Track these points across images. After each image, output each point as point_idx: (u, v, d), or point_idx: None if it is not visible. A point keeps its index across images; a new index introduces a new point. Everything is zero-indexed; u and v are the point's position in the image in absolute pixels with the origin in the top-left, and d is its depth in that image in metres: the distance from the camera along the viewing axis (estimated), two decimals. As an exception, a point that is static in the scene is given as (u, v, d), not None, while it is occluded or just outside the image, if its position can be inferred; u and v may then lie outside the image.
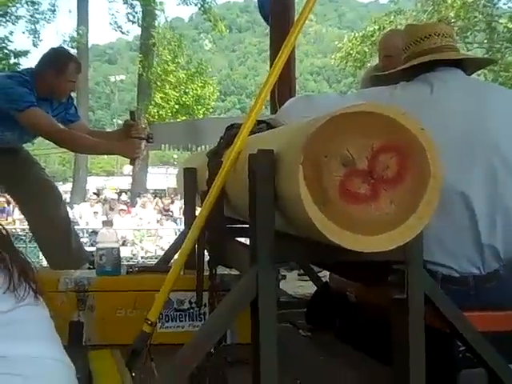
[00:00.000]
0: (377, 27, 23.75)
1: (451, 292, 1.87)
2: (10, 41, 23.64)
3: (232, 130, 2.29)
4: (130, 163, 4.08)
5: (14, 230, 14.07)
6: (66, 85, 3.92)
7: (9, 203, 16.31)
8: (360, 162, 1.44)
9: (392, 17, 23.88)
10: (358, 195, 1.44)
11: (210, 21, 26.09)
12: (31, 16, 25.11)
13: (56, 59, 3.93)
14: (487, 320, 2.03)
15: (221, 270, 2.48)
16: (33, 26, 25.14)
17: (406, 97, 2.20)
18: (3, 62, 23.21)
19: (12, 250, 1.26)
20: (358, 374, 2.25)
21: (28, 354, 1.25)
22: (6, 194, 16.46)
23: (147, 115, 24.55)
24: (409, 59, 2.37)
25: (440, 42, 2.33)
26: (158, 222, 17.02)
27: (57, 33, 28.43)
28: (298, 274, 4.53)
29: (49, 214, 4.00)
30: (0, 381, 1.20)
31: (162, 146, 3.77)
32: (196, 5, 26.22)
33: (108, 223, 3.04)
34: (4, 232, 1.27)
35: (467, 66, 2.38)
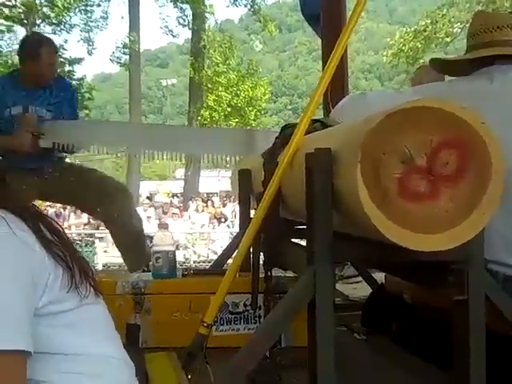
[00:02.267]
0: (429, 21, 23.39)
1: None
2: (64, 49, 24.12)
3: (287, 130, 2.27)
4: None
5: (69, 235, 14.33)
6: (46, 69, 3.92)
7: (65, 208, 16.63)
8: (419, 159, 1.41)
9: (445, 10, 23.45)
10: (418, 193, 1.40)
11: (260, 21, 26.15)
12: (85, 24, 25.61)
13: (28, 47, 3.96)
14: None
15: (275, 272, 2.46)
16: (86, 34, 25.64)
17: (465, 91, 2.13)
18: (58, 69, 23.71)
19: (72, 251, 1.27)
20: (414, 378, 2.20)
21: (93, 352, 1.26)
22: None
23: (200, 118, 24.74)
24: (477, 48, 2.30)
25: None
26: (210, 225, 17.11)
27: (109, 39, 28.99)
28: (342, 277, 4.43)
29: (123, 215, 4.02)
30: (67, 378, 1.21)
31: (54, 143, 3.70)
32: (246, 6, 26.33)
33: (164, 226, 3.05)
34: (64, 234, 1.29)
35: None
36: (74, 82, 20.38)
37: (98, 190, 4.00)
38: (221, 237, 15.41)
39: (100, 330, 1.31)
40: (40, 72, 3.88)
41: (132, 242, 4.04)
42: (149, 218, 16.42)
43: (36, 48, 3.88)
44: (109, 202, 3.98)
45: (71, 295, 1.23)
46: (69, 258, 1.23)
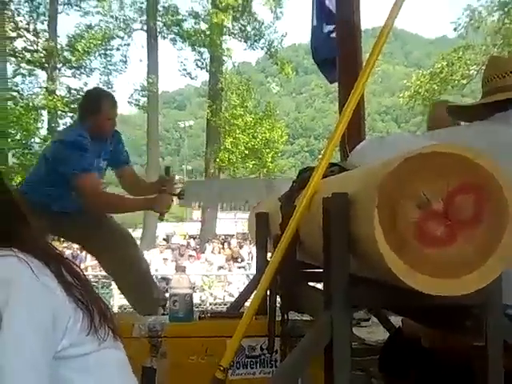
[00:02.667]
0: (445, 63, 23.52)
1: None
2: (84, 92, 24.50)
3: (305, 174, 2.28)
4: (159, 217, 4.17)
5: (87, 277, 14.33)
6: (106, 123, 4.01)
7: (82, 250, 16.66)
8: (436, 204, 1.41)
9: (460, 52, 23.60)
10: (435, 237, 1.40)
11: (277, 64, 26.45)
12: (104, 68, 26.07)
13: (89, 102, 4.07)
14: None
15: (292, 315, 2.44)
16: (106, 78, 26.08)
17: (482, 136, 2.14)
18: (79, 112, 24.04)
19: (91, 293, 1.28)
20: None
21: None
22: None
23: (217, 160, 24.87)
24: (491, 93, 2.32)
25: None
26: (226, 267, 17.06)
27: (128, 82, 29.41)
28: (357, 320, 4.39)
29: (128, 261, 4.05)
30: None
31: (193, 203, 3.84)
32: (262, 49, 26.66)
33: (181, 269, 3.06)
34: (84, 277, 1.30)
35: None
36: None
37: (105, 238, 4.04)
38: (237, 279, 15.35)
39: (116, 374, 1.31)
40: (100, 126, 3.97)
41: (137, 288, 4.04)
42: (165, 259, 16.41)
43: (96, 102, 3.99)
44: (112, 251, 4.02)
45: (90, 338, 1.24)
46: (89, 301, 1.24)
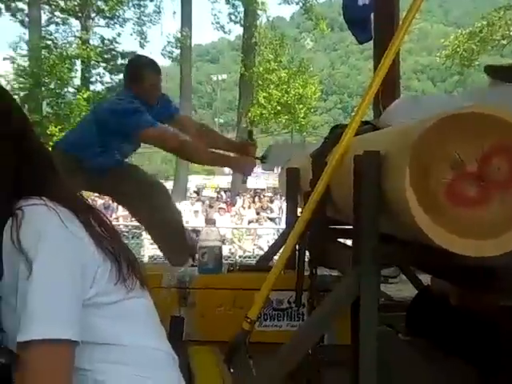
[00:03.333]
0: (485, 23, 22.98)
1: None
2: (117, 42, 24.51)
3: (337, 131, 2.28)
4: (242, 181, 4.20)
5: (117, 227, 14.52)
6: (150, 90, 4.00)
7: (113, 201, 16.82)
8: (470, 165, 1.40)
9: (502, 12, 23.01)
10: (467, 198, 1.39)
11: (312, 20, 26.09)
12: (138, 18, 25.95)
13: (131, 72, 4.07)
14: None
15: (321, 270, 2.46)
16: (139, 28, 25.97)
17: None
18: (111, 62, 24.06)
19: (119, 243, 1.31)
20: (455, 382, 2.19)
21: (136, 343, 1.29)
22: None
23: (250, 114, 24.78)
24: None
25: None
26: (257, 221, 17.11)
27: (162, 34, 29.33)
28: (385, 277, 4.41)
29: (160, 210, 4.09)
30: (112, 369, 1.25)
31: (275, 167, 3.84)
32: (297, 4, 26.30)
33: (211, 222, 3.08)
34: (113, 227, 1.32)
35: None
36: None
37: (135, 189, 4.08)
38: (267, 232, 15.40)
39: (144, 322, 1.34)
40: (144, 94, 3.96)
41: (170, 238, 4.08)
42: (196, 212, 16.52)
43: (138, 70, 4.00)
44: (144, 200, 4.05)
45: (118, 288, 1.26)
46: (117, 251, 1.27)
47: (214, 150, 4.12)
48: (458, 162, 1.40)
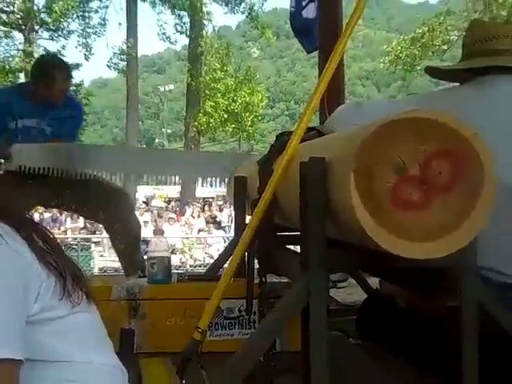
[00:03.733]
0: (426, 29, 23.50)
1: (507, 299, 1.82)
2: (62, 55, 24.14)
3: (283, 138, 2.28)
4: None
5: (66, 240, 14.35)
6: (58, 93, 3.92)
7: (61, 213, 16.60)
8: (412, 169, 1.42)
9: (442, 18, 23.58)
10: (411, 202, 1.42)
11: (258, 28, 26.22)
12: (82, 30, 25.70)
13: (42, 71, 3.95)
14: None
15: (271, 278, 2.47)
16: (84, 40, 25.70)
17: (459, 101, 2.15)
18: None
19: (64, 257, 1.29)
20: (406, 383, 2.22)
21: (85, 359, 1.27)
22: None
23: (197, 123, 24.74)
24: (472, 56, 2.31)
25: (505, 44, 2.25)
26: (206, 230, 17.11)
27: (107, 45, 28.84)
28: (334, 281, 4.45)
29: (123, 220, 4.04)
30: None
31: (22, 166, 3.74)
32: (243, 13, 26.39)
33: (159, 232, 3.06)
34: (56, 242, 1.30)
35: None
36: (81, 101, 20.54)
37: (101, 196, 4.02)
38: (217, 241, 15.41)
39: (91, 337, 1.32)
40: (51, 95, 3.88)
41: (130, 247, 4.06)
42: (145, 222, 16.40)
43: (50, 72, 3.87)
44: (111, 208, 4.00)
45: (63, 303, 1.24)
46: (61, 265, 1.25)
47: None
48: (401, 166, 1.42)
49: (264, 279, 2.30)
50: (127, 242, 4.05)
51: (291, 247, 2.51)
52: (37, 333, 1.19)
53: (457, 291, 1.65)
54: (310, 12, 5.62)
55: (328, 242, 1.65)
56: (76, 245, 13.73)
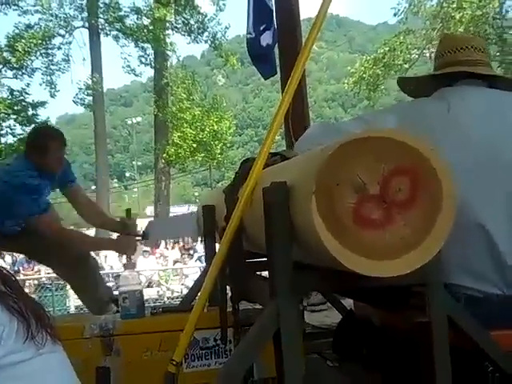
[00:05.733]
0: (387, 49, 23.87)
1: (475, 314, 1.84)
2: (27, 93, 24.08)
3: (247, 165, 2.29)
4: (126, 261, 4.14)
5: (40, 280, 14.18)
6: (53, 162, 3.99)
7: (29, 257, 16.40)
8: (372, 187, 1.43)
9: (401, 37, 23.97)
10: (372, 221, 1.43)
11: (222, 56, 26.38)
12: (46, 67, 25.64)
13: (36, 143, 4.02)
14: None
15: (245, 305, 2.46)
16: (49, 78, 25.67)
17: (421, 116, 2.17)
18: (22, 114, 23.59)
19: (26, 299, 1.27)
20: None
21: None
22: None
23: (166, 155, 24.71)
24: (441, 67, 2.37)
25: (475, 55, 2.32)
26: (182, 261, 17.02)
27: (72, 81, 28.71)
28: (309, 304, 4.47)
29: (75, 260, 4.03)
30: None
31: (158, 241, 3.94)
32: (206, 42, 26.53)
33: (129, 266, 3.04)
34: (18, 285, 1.29)
35: (498, 84, 2.34)
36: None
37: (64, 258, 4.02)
38: (193, 271, 15.31)
39: (58, 378, 1.30)
40: (46, 164, 3.94)
41: (89, 288, 4.07)
42: (120, 256, 16.28)
43: (44, 142, 3.95)
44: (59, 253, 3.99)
45: (28, 345, 1.23)
46: (24, 308, 1.24)
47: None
48: (360, 185, 1.43)
49: (237, 307, 2.30)
50: (85, 284, 4.06)
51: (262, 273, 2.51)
52: (4, 378, 1.17)
53: (425, 307, 1.66)
54: (266, 38, 5.68)
55: (296, 266, 1.66)
56: (50, 284, 13.54)
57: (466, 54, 2.32)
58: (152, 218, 26.22)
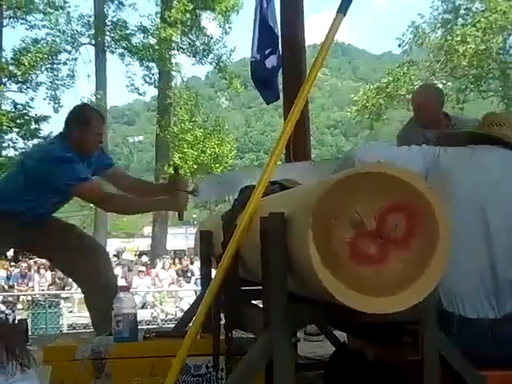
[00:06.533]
0: (391, 79, 24.00)
1: (468, 336, 1.86)
2: (30, 107, 24.14)
3: (246, 192, 2.30)
4: (179, 217, 4.20)
5: (34, 296, 14.11)
6: (93, 138, 3.97)
7: (30, 269, 16.36)
8: (369, 223, 1.44)
9: (405, 68, 24.11)
10: (368, 256, 1.43)
11: (226, 79, 26.49)
12: (51, 82, 25.72)
13: (79, 116, 4.02)
14: (507, 379, 1.99)
15: (238, 333, 2.45)
16: (53, 92, 25.73)
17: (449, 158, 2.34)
18: (24, 127, 23.64)
19: None
20: None
21: None
22: (28, 260, 16.59)
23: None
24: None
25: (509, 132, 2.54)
26: (177, 283, 16.94)
27: (76, 98, 28.82)
28: (305, 333, 4.46)
29: (99, 277, 3.98)
30: None
31: (208, 198, 3.95)
32: (211, 63, 26.67)
33: (125, 288, 3.03)
34: None
35: None
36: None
37: (76, 248, 3.99)
38: (188, 294, 15.24)
39: None
40: (87, 140, 3.93)
41: (105, 305, 3.97)
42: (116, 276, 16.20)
43: (87, 116, 3.97)
44: (86, 262, 3.96)
45: None
46: None
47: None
48: (357, 220, 1.43)
49: (230, 335, 2.29)
50: (103, 300, 3.96)
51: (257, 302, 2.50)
52: None
53: (418, 345, 1.65)
54: (271, 62, 5.72)
55: (291, 297, 1.65)
56: (44, 301, 13.44)
57: (502, 130, 2.55)
58: (149, 239, 26.23)
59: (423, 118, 4.45)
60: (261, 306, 2.09)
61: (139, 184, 4.48)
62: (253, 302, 2.50)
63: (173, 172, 4.23)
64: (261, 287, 2.17)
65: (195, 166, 25.33)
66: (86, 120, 3.93)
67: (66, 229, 4.17)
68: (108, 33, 25.84)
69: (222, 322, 2.42)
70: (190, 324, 3.03)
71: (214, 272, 2.79)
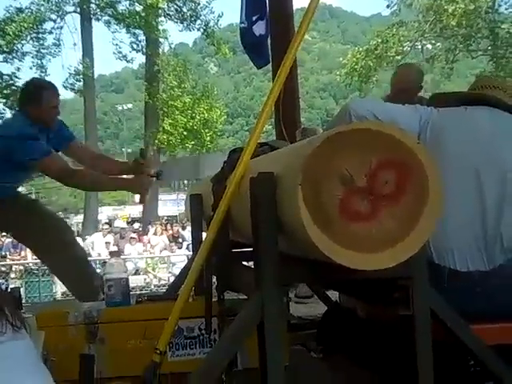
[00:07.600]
0: (380, 40, 23.86)
1: (459, 289, 1.87)
2: (17, 77, 23.87)
3: (235, 154, 2.29)
4: (140, 201, 4.22)
5: (26, 265, 14.12)
6: (49, 112, 3.94)
7: (12, 235, 16.26)
8: (359, 180, 1.43)
9: (394, 29, 23.98)
10: (359, 213, 1.43)
11: (214, 45, 26.23)
12: (37, 52, 25.38)
13: (29, 93, 3.98)
14: (496, 332, 2.00)
15: (230, 295, 2.46)
16: (39, 61, 25.41)
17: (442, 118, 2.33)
18: (11, 98, 23.42)
19: None
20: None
21: None
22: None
23: (156, 141, 24.62)
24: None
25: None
26: (169, 248, 16.97)
27: (63, 66, 28.44)
28: (296, 296, 4.49)
29: (61, 248, 3.99)
30: None
31: (171, 181, 3.89)
32: (199, 30, 26.36)
33: (116, 253, 3.02)
34: None
35: None
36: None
37: (38, 223, 3.98)
38: (181, 259, 15.27)
39: (20, 365, 1.30)
40: (42, 116, 3.89)
41: (75, 273, 4.00)
42: (108, 243, 16.23)
43: (37, 92, 3.91)
44: (50, 237, 3.96)
45: None
46: None
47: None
48: (347, 178, 1.43)
49: (222, 296, 2.29)
50: (73, 270, 4.00)
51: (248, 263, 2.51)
52: None
53: (409, 300, 1.66)
54: (259, 28, 5.67)
55: (282, 257, 1.65)
56: (37, 269, 13.47)
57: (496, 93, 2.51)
58: (141, 206, 26.22)
59: (402, 100, 4.42)
60: (252, 267, 2.10)
61: (102, 160, 4.43)
62: (244, 263, 2.51)
63: (139, 154, 4.17)
64: (252, 249, 2.18)
65: (185, 133, 25.24)
66: (37, 96, 3.89)
67: (30, 205, 4.17)
68: (93, 0, 25.48)
69: (214, 284, 2.42)
70: (182, 287, 3.05)
71: (204, 235, 2.79)
